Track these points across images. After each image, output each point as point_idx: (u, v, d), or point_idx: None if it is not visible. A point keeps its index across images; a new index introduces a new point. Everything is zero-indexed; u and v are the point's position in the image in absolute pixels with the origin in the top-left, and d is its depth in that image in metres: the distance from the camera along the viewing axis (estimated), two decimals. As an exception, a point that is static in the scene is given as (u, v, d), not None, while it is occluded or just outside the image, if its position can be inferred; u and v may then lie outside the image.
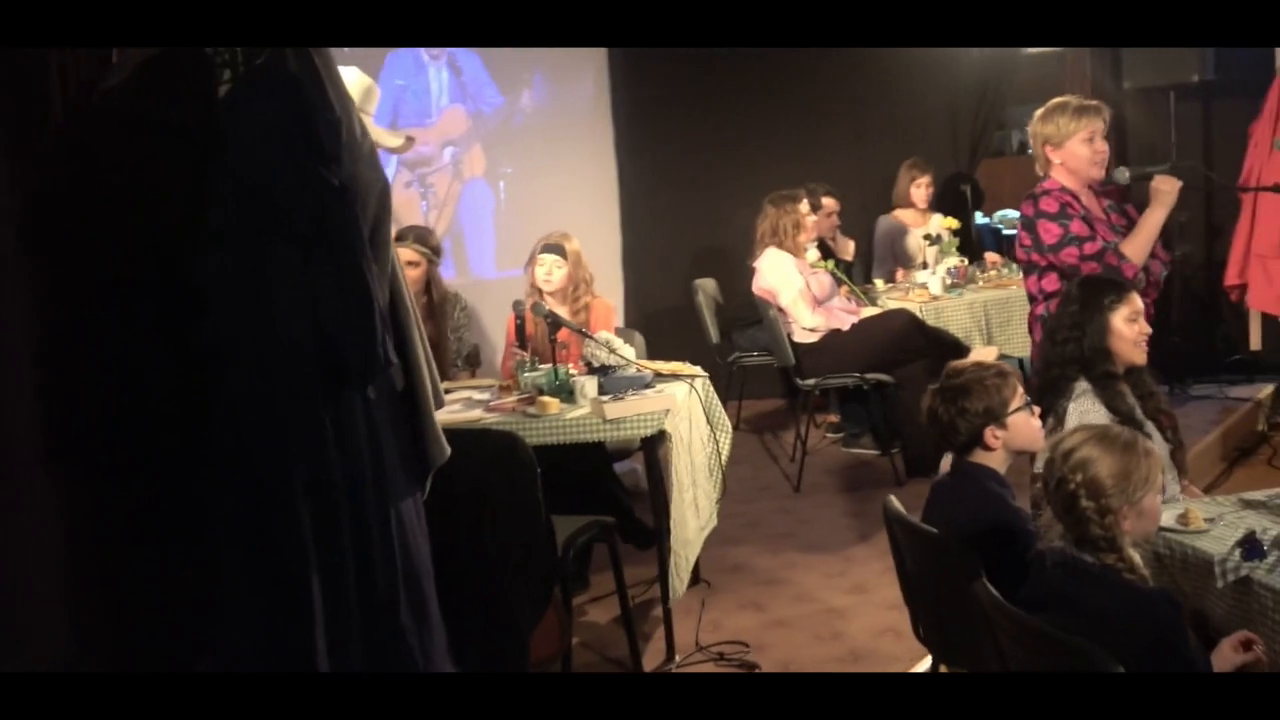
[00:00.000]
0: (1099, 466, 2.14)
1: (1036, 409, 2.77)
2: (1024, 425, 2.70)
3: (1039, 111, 3.91)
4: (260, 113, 2.18)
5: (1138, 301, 3.20)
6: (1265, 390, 6.00)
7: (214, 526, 2.19)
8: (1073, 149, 3.80)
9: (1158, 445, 2.87)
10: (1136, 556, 2.15)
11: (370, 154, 2.40)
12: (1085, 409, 3.09)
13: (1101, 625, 2.07)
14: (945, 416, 2.71)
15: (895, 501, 2.86)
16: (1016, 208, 6.77)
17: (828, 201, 6.42)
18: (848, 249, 6.53)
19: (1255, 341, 6.03)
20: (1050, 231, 3.73)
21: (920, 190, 6.48)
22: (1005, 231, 8.28)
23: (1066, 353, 3.18)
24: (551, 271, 4.64)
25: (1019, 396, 2.71)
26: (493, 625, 3.09)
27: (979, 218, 7.71)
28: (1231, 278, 5.80)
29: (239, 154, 2.20)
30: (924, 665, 3.65)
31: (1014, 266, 6.25)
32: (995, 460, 2.73)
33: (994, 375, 2.70)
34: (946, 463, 5.26)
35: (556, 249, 4.65)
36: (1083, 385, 3.14)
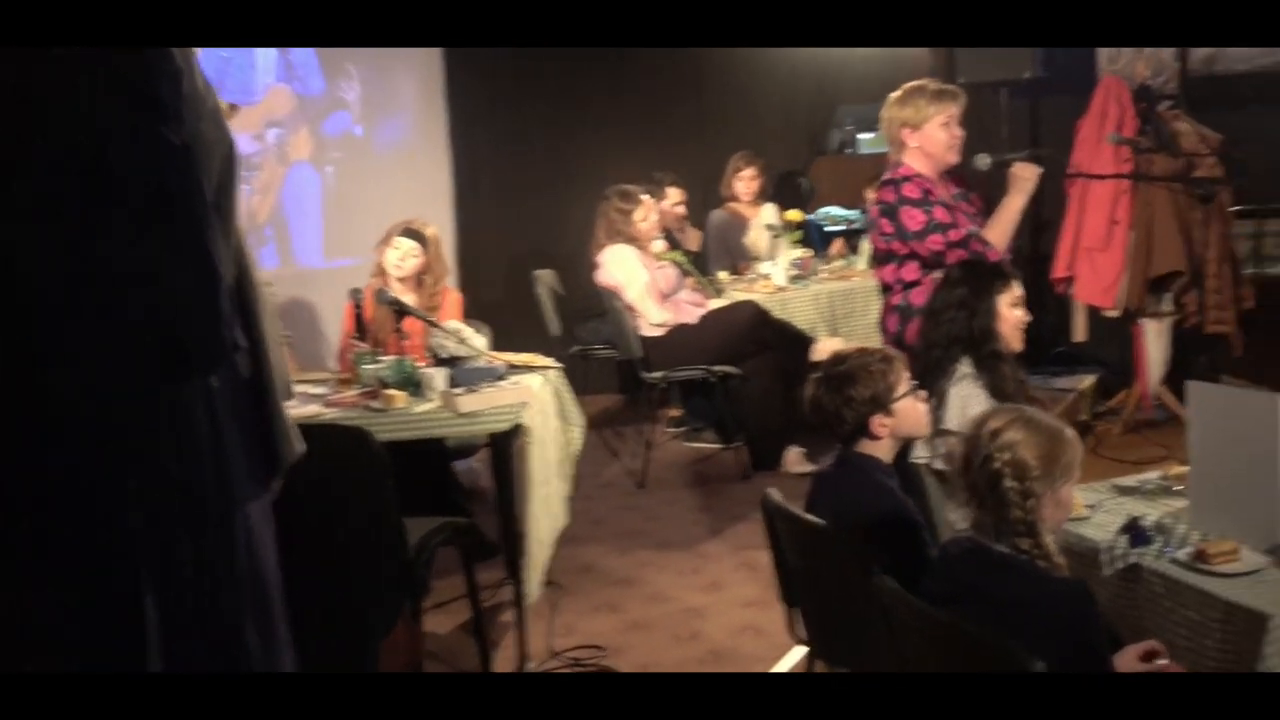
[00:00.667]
0: (1025, 448, 2.05)
1: (923, 393, 2.68)
2: (911, 411, 2.61)
3: (894, 95, 3.86)
4: (87, 61, 1.89)
5: (1019, 287, 3.19)
6: (1087, 381, 6.18)
7: (35, 535, 1.88)
8: (931, 132, 3.77)
9: None
10: (1053, 544, 2.07)
11: (214, 111, 2.12)
12: (967, 392, 3.04)
13: (1016, 617, 1.97)
14: (830, 406, 2.60)
15: (776, 494, 2.73)
16: (836, 205, 6.87)
17: (673, 191, 6.31)
18: (694, 240, 6.43)
19: (1080, 333, 6.19)
20: (914, 218, 3.68)
21: (744, 183, 6.42)
22: (827, 228, 8.37)
23: (952, 333, 3.13)
24: (406, 258, 4.38)
25: (905, 381, 2.61)
26: (340, 638, 2.84)
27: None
28: (1059, 270, 5.93)
29: (61, 110, 1.90)
30: (787, 664, 3.56)
31: (853, 258, 6.29)
32: (882, 450, 2.63)
33: (879, 361, 2.60)
34: (792, 456, 5.28)
35: (416, 235, 4.40)
36: (964, 368, 3.10)
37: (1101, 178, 5.38)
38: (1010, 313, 3.17)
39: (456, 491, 4.39)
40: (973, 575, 2.08)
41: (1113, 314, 5.81)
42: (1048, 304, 6.57)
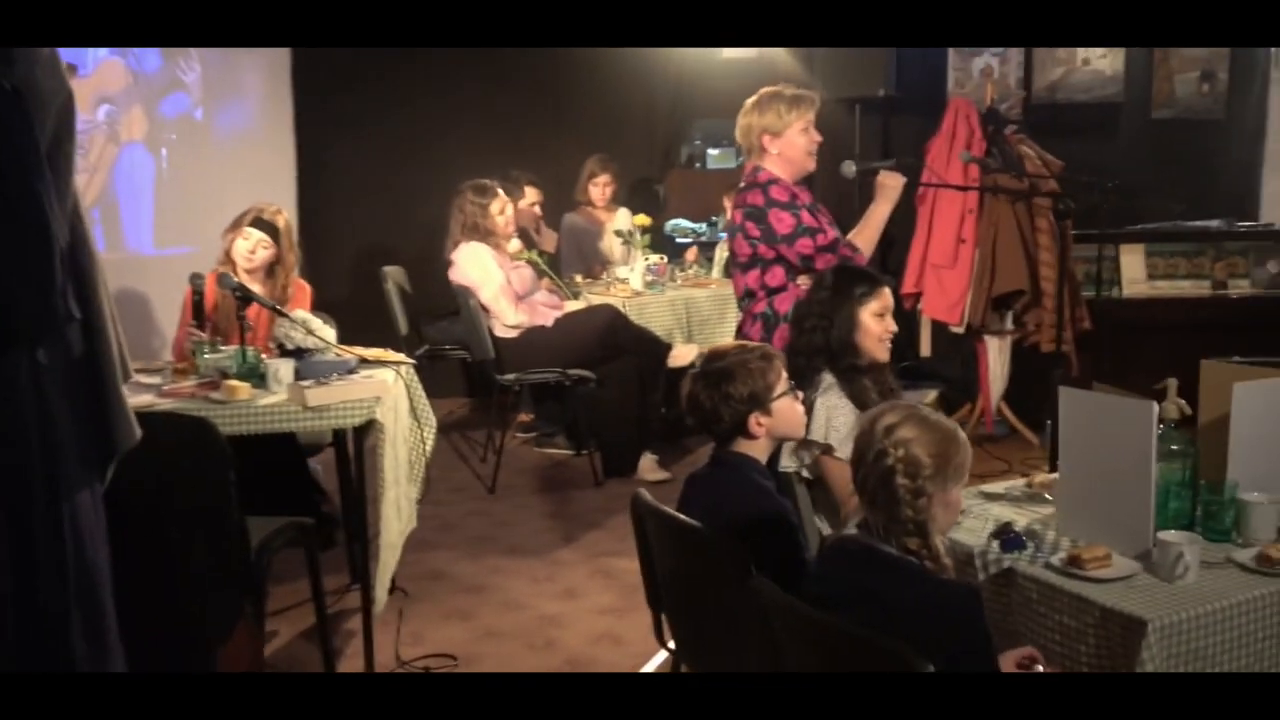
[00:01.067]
0: (919, 445, 2.00)
1: (800, 394, 2.62)
2: (789, 411, 2.55)
3: (751, 101, 3.81)
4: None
5: (888, 297, 3.14)
6: (931, 395, 6.28)
7: None
8: (791, 138, 3.74)
9: None
10: (942, 546, 2.02)
11: (51, 59, 1.91)
12: (833, 404, 2.99)
13: (905, 619, 1.92)
14: (708, 403, 2.51)
15: (647, 494, 2.63)
16: (685, 217, 6.86)
17: (530, 191, 6.18)
18: (550, 242, 6.30)
19: (925, 348, 6.31)
20: (783, 221, 3.65)
21: (598, 188, 6.34)
22: (678, 240, 8.36)
23: (814, 342, 3.09)
24: (257, 249, 4.11)
25: (783, 380, 2.55)
26: (177, 642, 2.61)
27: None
28: (907, 286, 6.03)
29: None
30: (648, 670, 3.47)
31: (708, 266, 6.27)
32: (758, 450, 2.56)
33: (758, 358, 2.53)
34: (646, 463, 5.20)
35: (268, 226, 4.12)
36: (828, 378, 3.05)
37: (959, 188, 5.48)
38: (875, 323, 3.11)
39: (314, 490, 4.16)
40: (859, 576, 2.02)
41: (957, 330, 5.93)
42: (896, 318, 6.68)
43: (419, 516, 3.96)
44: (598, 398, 5.28)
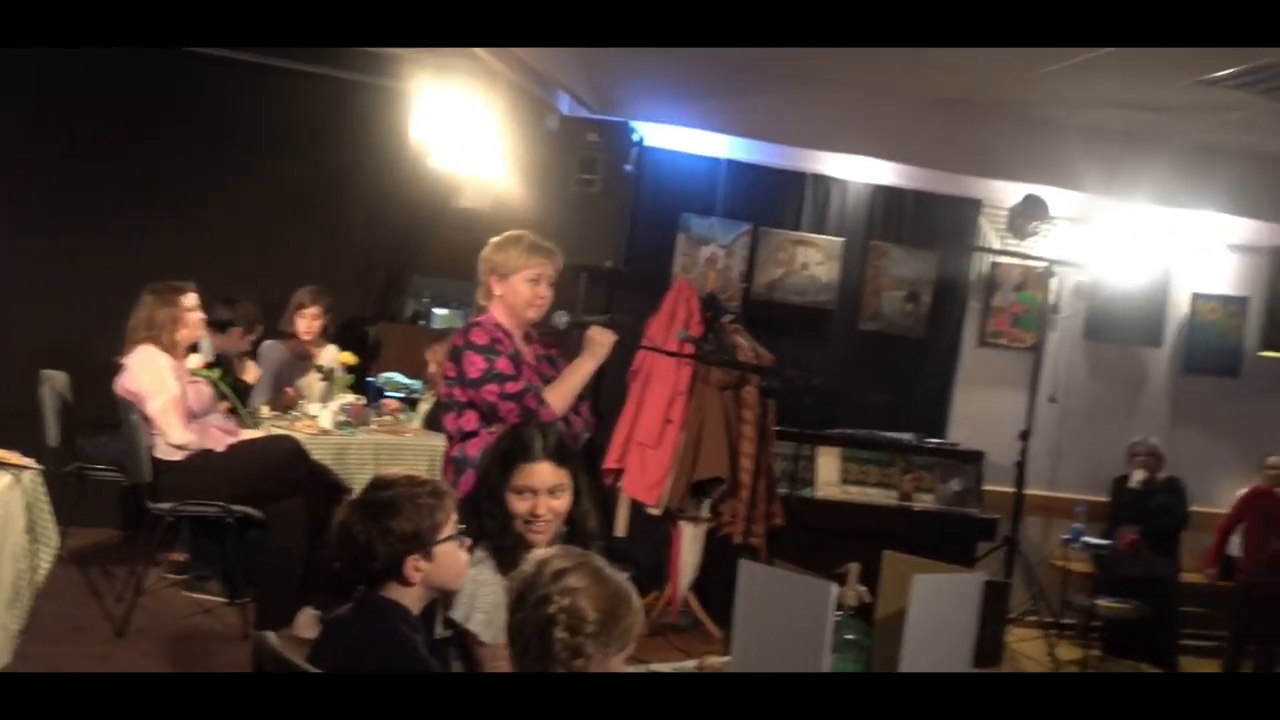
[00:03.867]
0: (588, 598, 1.76)
1: (468, 541, 2.33)
2: (452, 558, 2.25)
3: (495, 239, 3.68)
4: None
5: (538, 475, 2.73)
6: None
7: None
8: (516, 285, 3.60)
9: None
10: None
11: None
12: (482, 578, 2.61)
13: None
14: (363, 536, 2.18)
15: (274, 638, 2.26)
16: (400, 372, 6.59)
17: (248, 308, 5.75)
18: (252, 374, 5.81)
19: (621, 528, 6.14)
20: (475, 365, 3.46)
21: (305, 321, 5.99)
22: (388, 393, 8.06)
23: (480, 523, 2.73)
24: None
25: (452, 524, 2.26)
26: None
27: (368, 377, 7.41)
28: (610, 461, 5.90)
29: None
30: None
31: (410, 414, 5.95)
32: (410, 598, 2.24)
33: (428, 493, 2.23)
34: (305, 618, 4.69)
35: None
36: (480, 551, 2.69)
37: (672, 354, 5.44)
38: (516, 502, 2.72)
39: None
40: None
41: (655, 512, 5.81)
42: (586, 498, 6.52)
43: (21, 656, 3.37)
44: (263, 540, 4.79)
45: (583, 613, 1.74)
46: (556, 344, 3.85)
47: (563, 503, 2.76)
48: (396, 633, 2.17)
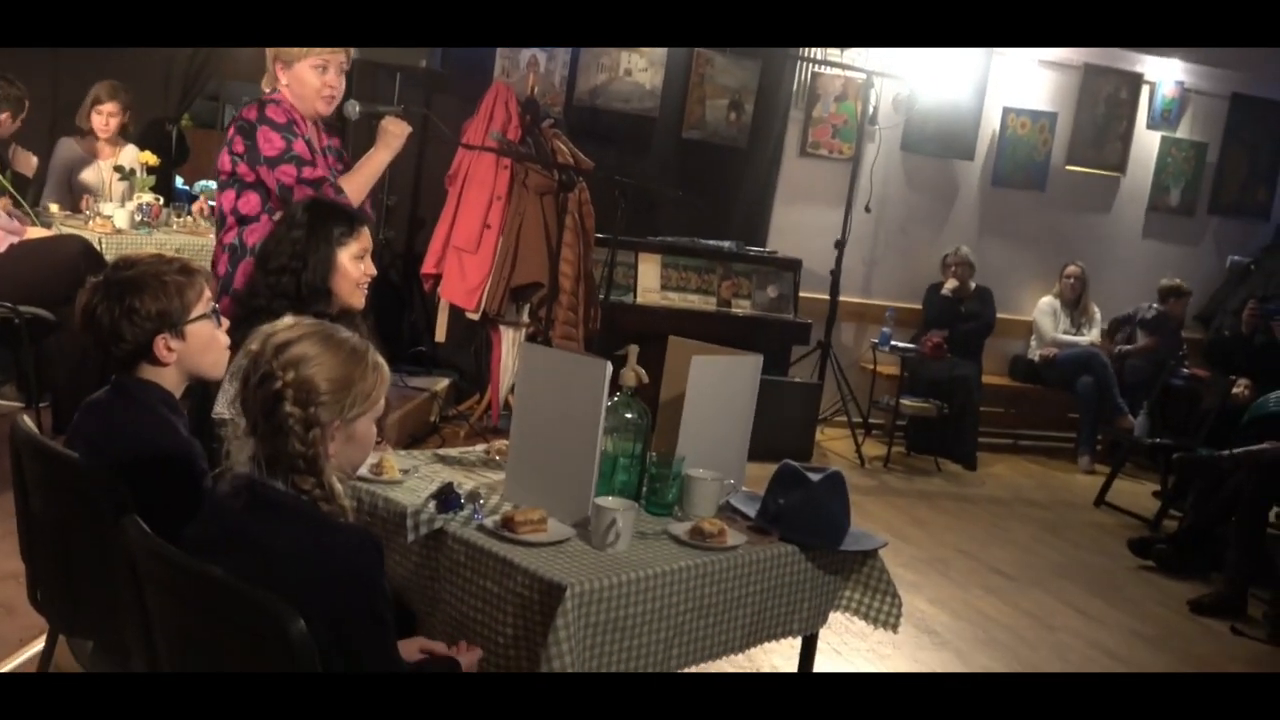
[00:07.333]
0: (317, 367, 1.71)
1: (225, 322, 2.25)
2: (207, 338, 2.16)
3: None
4: None
5: (368, 238, 2.87)
6: (442, 383, 6.11)
7: None
8: (301, 72, 3.41)
9: None
10: (339, 485, 1.74)
11: None
12: None
13: (290, 567, 1.63)
14: (107, 317, 2.08)
15: (28, 421, 2.18)
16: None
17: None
18: (29, 164, 5.45)
19: (441, 334, 6.11)
20: (273, 142, 3.28)
21: (101, 118, 5.64)
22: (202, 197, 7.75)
23: (280, 284, 2.73)
24: None
25: (205, 302, 2.17)
26: None
27: (179, 182, 7.06)
28: (429, 266, 5.83)
29: None
30: (35, 648, 2.94)
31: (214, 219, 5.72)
32: (168, 379, 2.16)
33: (176, 271, 2.14)
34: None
35: None
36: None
37: (482, 149, 5.34)
38: (352, 266, 2.84)
39: None
40: (243, 517, 1.70)
41: (473, 316, 5.78)
42: (414, 302, 6.46)
43: None
44: (55, 343, 4.60)
45: (312, 384, 1.70)
46: (342, 143, 3.69)
47: None
48: (154, 413, 2.10)
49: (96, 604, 2.10)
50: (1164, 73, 7.67)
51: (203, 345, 2.16)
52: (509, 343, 5.88)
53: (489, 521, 2.21)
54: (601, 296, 5.95)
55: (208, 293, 2.18)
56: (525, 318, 5.87)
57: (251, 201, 3.33)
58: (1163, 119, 7.77)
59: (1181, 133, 7.88)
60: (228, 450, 1.76)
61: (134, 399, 2.14)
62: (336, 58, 3.46)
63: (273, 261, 2.81)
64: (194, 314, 2.14)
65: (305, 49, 3.40)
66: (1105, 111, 7.61)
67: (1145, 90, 7.67)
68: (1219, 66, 7.75)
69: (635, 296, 6.33)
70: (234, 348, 2.36)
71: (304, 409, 1.69)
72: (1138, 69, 7.61)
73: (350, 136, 3.67)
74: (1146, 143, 7.78)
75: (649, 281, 6.38)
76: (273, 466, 1.71)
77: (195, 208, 5.85)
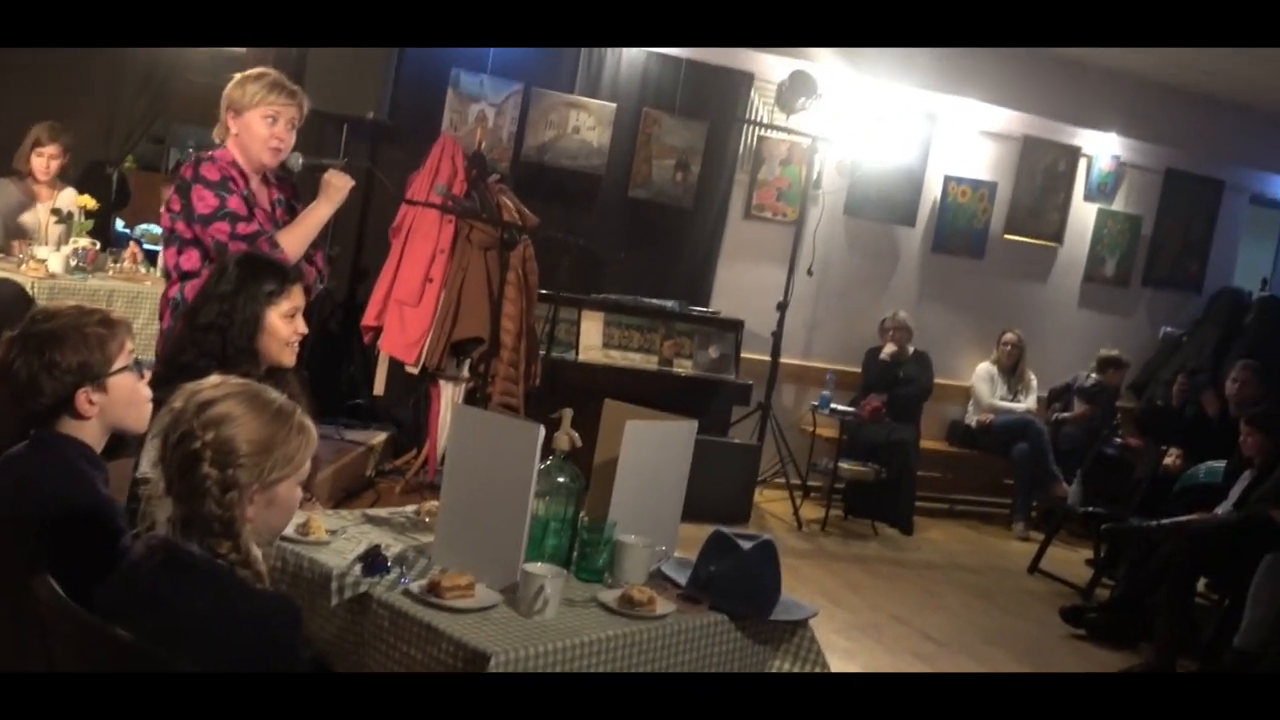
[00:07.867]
0: (238, 428, 1.68)
1: (148, 373, 2.21)
2: (129, 391, 2.12)
3: (238, 75, 3.49)
4: None
5: (299, 296, 2.84)
6: (379, 437, 6.06)
7: None
8: (250, 122, 3.41)
9: None
10: (257, 551, 1.70)
11: None
12: None
13: (198, 632, 1.59)
14: (25, 372, 2.03)
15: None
16: (156, 223, 6.23)
17: None
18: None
19: (379, 387, 6.05)
20: (205, 200, 3.28)
21: (42, 160, 5.58)
22: (146, 246, 7.68)
23: (207, 342, 2.69)
24: None
25: (127, 354, 2.13)
26: None
27: (119, 225, 6.99)
28: (370, 319, 5.78)
29: None
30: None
31: (151, 267, 5.65)
32: (88, 433, 2.11)
33: (97, 323, 2.10)
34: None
35: None
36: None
37: (428, 206, 5.34)
38: (283, 325, 2.79)
39: None
40: (156, 579, 1.66)
41: (413, 370, 5.74)
42: (353, 354, 6.40)
43: None
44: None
45: (232, 445, 1.67)
46: (293, 193, 3.68)
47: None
48: (73, 468, 2.05)
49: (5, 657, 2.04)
50: (1101, 147, 7.85)
51: (125, 398, 2.12)
52: (448, 397, 5.83)
53: (415, 586, 2.18)
54: (543, 353, 5.93)
55: (129, 345, 2.14)
56: (465, 372, 5.84)
57: (192, 258, 3.33)
58: (1099, 191, 7.95)
59: (1117, 205, 8.06)
60: (143, 511, 1.72)
61: (53, 453, 2.08)
62: (288, 111, 3.46)
63: (200, 318, 2.77)
64: (115, 366, 2.10)
65: (259, 99, 3.40)
66: (1043, 183, 7.77)
67: (1083, 163, 7.85)
68: (1154, 142, 7.96)
69: (577, 354, 6.32)
70: (159, 403, 2.32)
71: (222, 470, 1.66)
72: (1075, 142, 7.79)
73: (300, 188, 3.64)
74: (1083, 214, 7.95)
75: (591, 339, 6.37)
76: (188, 528, 1.67)
77: (128, 254, 5.78)
